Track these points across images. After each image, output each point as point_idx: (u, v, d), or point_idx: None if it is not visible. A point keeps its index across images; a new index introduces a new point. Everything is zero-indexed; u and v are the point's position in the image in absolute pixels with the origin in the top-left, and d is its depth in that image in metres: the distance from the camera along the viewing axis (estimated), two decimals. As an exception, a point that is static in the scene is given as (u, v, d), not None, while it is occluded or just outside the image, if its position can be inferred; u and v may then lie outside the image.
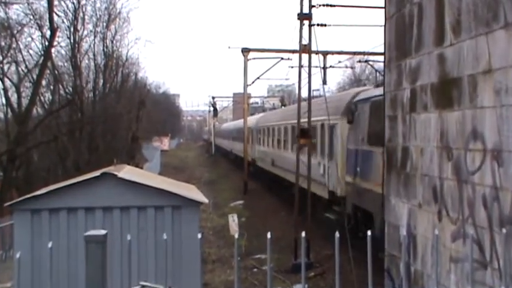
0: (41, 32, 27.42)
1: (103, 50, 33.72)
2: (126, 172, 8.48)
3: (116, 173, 7.85)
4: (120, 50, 36.12)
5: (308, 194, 14.68)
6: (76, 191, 7.70)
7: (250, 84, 30.82)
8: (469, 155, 5.24)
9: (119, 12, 34.40)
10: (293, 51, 24.83)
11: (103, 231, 3.17)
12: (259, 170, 28.79)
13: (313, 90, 24.18)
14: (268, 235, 2.66)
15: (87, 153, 29.37)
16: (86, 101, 31.61)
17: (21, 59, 27.65)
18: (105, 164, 14.12)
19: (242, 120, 35.71)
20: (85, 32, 31.55)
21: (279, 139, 23.77)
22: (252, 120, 32.64)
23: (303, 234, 2.94)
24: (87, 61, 32.92)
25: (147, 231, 7.78)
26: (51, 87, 29.60)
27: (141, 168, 26.00)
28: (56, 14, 26.76)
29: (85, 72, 32.67)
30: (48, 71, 27.18)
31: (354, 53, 29.91)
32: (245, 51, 29.76)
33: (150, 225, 7.82)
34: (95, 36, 32.62)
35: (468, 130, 5.29)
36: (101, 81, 34.10)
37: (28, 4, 26.52)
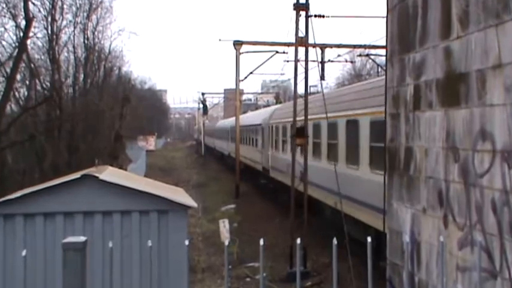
0: (15, 22, 27.26)
1: (84, 42, 33.62)
2: (109, 174, 8.45)
3: (97, 174, 7.81)
4: (102, 42, 36.06)
5: (304, 197, 14.67)
6: (54, 195, 7.65)
7: (242, 80, 30.82)
8: (477, 156, 5.22)
9: (101, 1, 34.30)
10: (289, 44, 24.92)
11: (82, 238, 3.15)
12: (277, 184, 24.26)
13: (310, 86, 24.36)
14: (261, 242, 2.65)
15: (66, 153, 29.29)
16: (65, 97, 31.47)
17: (-6, 52, 27.49)
18: (86, 165, 14.06)
19: (245, 116, 35.72)
20: (64, 23, 31.40)
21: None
22: (262, 114, 30.48)
23: (298, 240, 2.92)
24: (66, 54, 32.80)
25: (131, 238, 7.75)
26: (27, 82, 29.43)
27: (125, 169, 25.92)
28: (31, 2, 26.60)
29: (64, 66, 32.54)
30: (23, 65, 27.02)
31: (354, 46, 29.98)
32: (237, 44, 29.78)
33: (135, 231, 7.79)
34: (74, 27, 32.49)
35: (476, 129, 5.27)
36: (82, 75, 33.99)
37: (1, -9, 26.35)
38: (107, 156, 30.56)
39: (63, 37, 31.98)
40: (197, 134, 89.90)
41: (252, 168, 30.83)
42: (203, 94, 69.49)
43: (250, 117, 33.98)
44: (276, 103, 46.63)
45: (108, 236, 7.59)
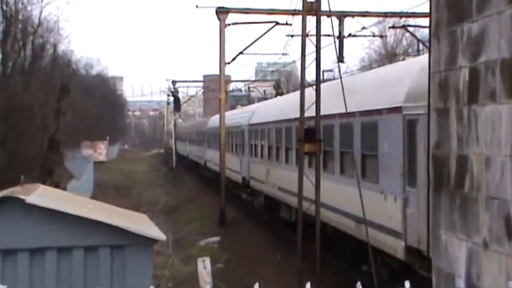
0: None
1: (1, 8, 33.41)
2: (40, 195, 8.40)
3: (22, 196, 7.76)
4: (29, 8, 35.76)
5: (317, 228, 14.66)
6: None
7: (229, 63, 30.83)
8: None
9: None
10: (294, 13, 24.88)
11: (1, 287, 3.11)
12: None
13: (323, 71, 24.11)
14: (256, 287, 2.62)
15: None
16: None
17: None
18: (7, 183, 13.97)
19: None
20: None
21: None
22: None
23: (308, 286, 2.90)
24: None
25: (70, 285, 7.70)
26: None
27: (64, 189, 25.78)
28: None
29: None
30: None
31: (385, 15, 30.08)
32: (221, 12, 29.81)
33: (77, 275, 7.73)
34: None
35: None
36: (-1, 56, 33.75)
37: None
38: (37, 171, 30.42)
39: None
40: (166, 139, 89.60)
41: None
42: (174, 83, 67.72)
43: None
44: (276, 95, 46.58)
45: (39, 283, 7.53)
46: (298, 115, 16.20)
